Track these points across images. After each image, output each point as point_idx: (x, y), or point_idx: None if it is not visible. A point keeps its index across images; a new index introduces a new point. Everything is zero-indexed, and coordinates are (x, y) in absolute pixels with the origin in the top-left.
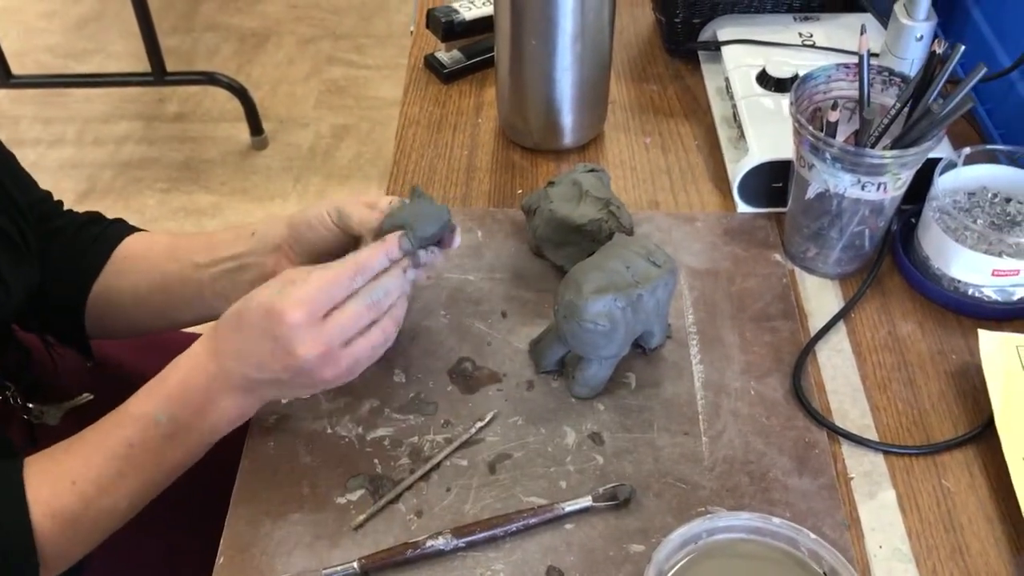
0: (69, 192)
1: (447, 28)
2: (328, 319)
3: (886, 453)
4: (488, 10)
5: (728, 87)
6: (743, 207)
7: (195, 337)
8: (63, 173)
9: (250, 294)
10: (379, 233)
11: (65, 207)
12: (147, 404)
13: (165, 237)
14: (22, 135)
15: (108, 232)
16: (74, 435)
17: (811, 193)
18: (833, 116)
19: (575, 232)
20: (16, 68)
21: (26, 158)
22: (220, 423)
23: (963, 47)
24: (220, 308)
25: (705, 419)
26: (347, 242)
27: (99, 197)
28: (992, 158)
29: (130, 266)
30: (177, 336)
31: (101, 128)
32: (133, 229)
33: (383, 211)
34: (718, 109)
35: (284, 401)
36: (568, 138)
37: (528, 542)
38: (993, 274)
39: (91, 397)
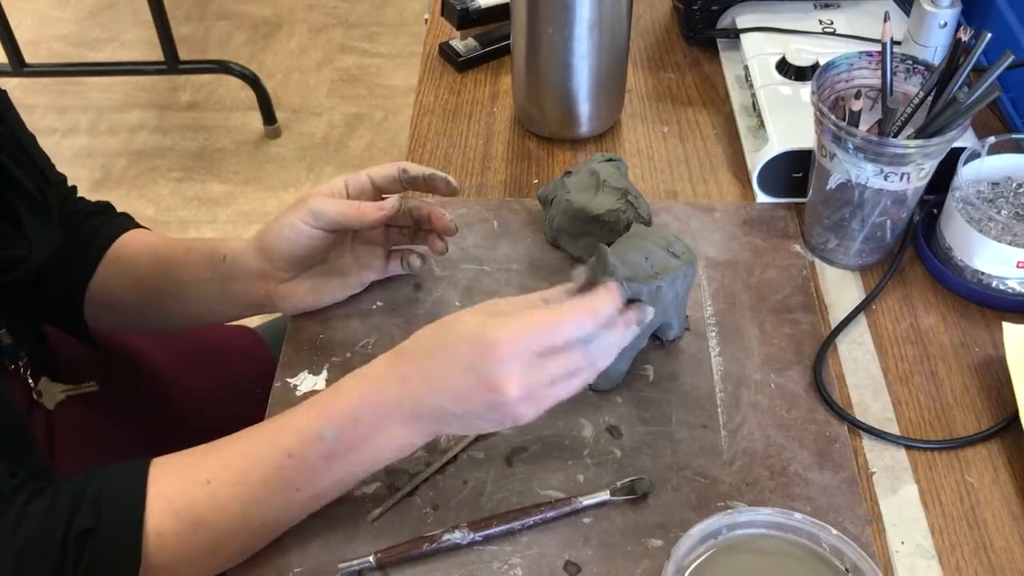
0: (84, 181)
1: (462, 16)
2: (542, 360)
3: (908, 447)
4: None
5: (747, 75)
6: (762, 197)
7: (208, 330)
8: (78, 162)
9: (449, 320)
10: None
11: (78, 195)
12: (314, 417)
13: (155, 241)
14: (36, 124)
15: (109, 227)
16: (215, 440)
17: (832, 183)
18: (856, 105)
19: (593, 222)
20: (30, 57)
21: (41, 147)
22: (385, 451)
23: (989, 35)
24: (209, 320)
25: (724, 412)
26: (333, 239)
27: (113, 186)
28: (1017, 147)
29: (121, 267)
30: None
31: (115, 117)
32: (134, 225)
33: (373, 178)
34: (737, 98)
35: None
36: (585, 127)
37: (545, 536)
38: (1018, 266)
39: (95, 388)
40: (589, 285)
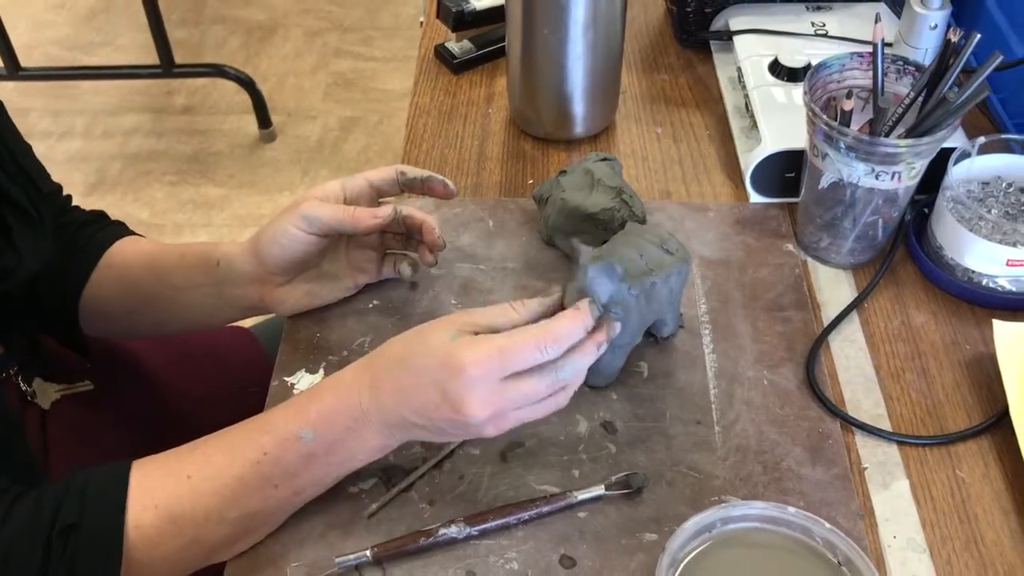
0: (78, 184)
1: (458, 18)
2: (508, 383)
3: (900, 443)
4: None
5: (740, 77)
6: (755, 197)
7: (198, 335)
8: (72, 166)
9: (416, 332)
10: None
11: (74, 200)
12: (292, 418)
13: (148, 248)
14: (31, 127)
15: (102, 235)
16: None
17: (824, 183)
18: (848, 105)
19: (587, 221)
20: (25, 61)
21: (36, 151)
22: (359, 454)
23: (979, 36)
24: (204, 324)
25: (718, 408)
26: (327, 243)
27: (108, 189)
28: (1006, 148)
29: (114, 274)
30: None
31: (110, 120)
32: (128, 233)
33: (374, 182)
34: (730, 99)
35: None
36: (579, 128)
37: (541, 530)
38: (1007, 264)
39: (91, 386)
40: (568, 301)
